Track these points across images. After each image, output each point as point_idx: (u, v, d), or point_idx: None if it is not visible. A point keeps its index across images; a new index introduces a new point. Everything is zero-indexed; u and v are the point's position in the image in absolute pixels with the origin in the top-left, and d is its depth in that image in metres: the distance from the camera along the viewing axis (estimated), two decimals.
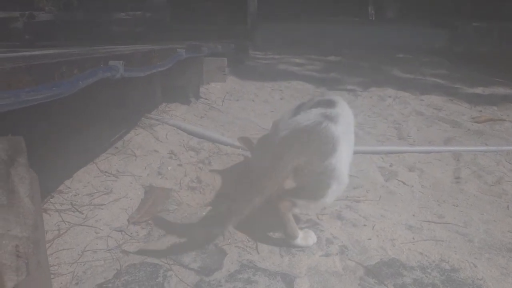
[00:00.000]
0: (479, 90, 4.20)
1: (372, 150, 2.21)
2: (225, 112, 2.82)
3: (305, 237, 1.35)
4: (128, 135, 2.07)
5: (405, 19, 8.45)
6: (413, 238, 1.41)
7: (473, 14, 7.05)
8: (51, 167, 1.51)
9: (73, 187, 1.61)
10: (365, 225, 1.49)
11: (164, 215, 1.52)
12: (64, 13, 5.38)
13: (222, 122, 2.60)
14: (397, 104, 3.44)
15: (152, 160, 1.91)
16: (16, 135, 0.60)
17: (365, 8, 10.00)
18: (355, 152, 2.18)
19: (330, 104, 1.45)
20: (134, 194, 1.65)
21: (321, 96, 1.61)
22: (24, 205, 0.58)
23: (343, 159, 1.30)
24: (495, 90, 4.20)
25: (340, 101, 1.54)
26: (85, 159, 1.78)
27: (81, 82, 0.94)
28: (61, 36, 4.76)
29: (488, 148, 2.28)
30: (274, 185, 1.22)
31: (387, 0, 9.63)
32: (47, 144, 1.58)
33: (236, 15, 6.39)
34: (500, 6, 6.92)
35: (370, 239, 1.40)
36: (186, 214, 1.52)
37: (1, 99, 0.72)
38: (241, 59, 4.78)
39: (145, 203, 1.59)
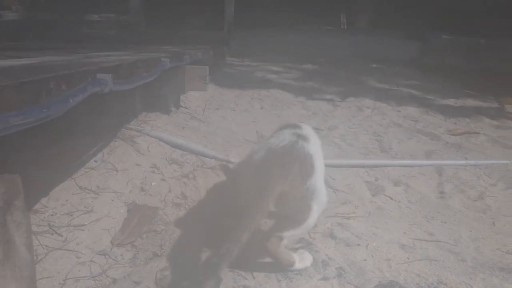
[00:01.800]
0: (451, 101, 4.31)
1: (357, 163, 2.20)
2: (206, 122, 2.75)
3: (302, 259, 1.31)
4: (108, 147, 1.97)
5: (377, 29, 8.63)
6: (408, 258, 1.40)
7: (443, 27, 7.28)
8: (25, 184, 1.40)
9: (50, 206, 1.50)
10: (358, 245, 1.47)
11: (151, 236, 1.44)
12: (31, 13, 5.14)
13: (204, 133, 2.52)
14: (376, 115, 3.47)
15: (134, 174, 1.81)
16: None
17: (338, 17, 10.17)
18: (341, 166, 2.18)
19: (296, 126, 1.45)
20: (117, 213, 1.56)
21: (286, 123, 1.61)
22: (20, 256, 0.51)
23: (320, 177, 1.30)
24: (465, 102, 4.33)
25: (303, 124, 1.54)
26: (63, 175, 1.67)
27: (71, 100, 0.86)
28: (29, 37, 4.53)
29: (468, 162, 2.32)
30: (260, 218, 1.17)
31: (359, 9, 9.83)
32: (20, 158, 1.46)
33: (213, 21, 6.32)
34: (469, 21, 7.19)
35: (365, 259, 1.37)
36: (174, 235, 1.44)
37: None
38: (219, 66, 4.72)
39: (129, 223, 1.50)
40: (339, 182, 2.02)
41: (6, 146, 1.20)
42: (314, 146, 1.35)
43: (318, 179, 1.27)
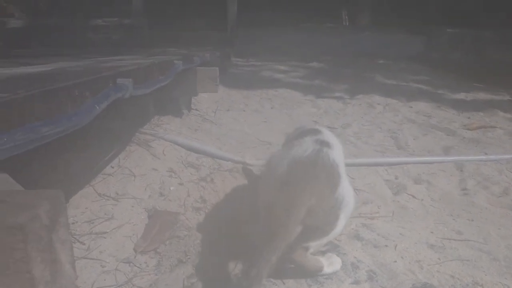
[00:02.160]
0: (462, 96, 4.26)
1: (376, 162, 2.16)
2: (218, 123, 2.72)
3: (331, 263, 1.27)
4: (123, 152, 1.94)
5: (379, 26, 8.59)
6: (439, 259, 1.36)
7: (446, 21, 7.23)
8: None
9: (70, 214, 1.47)
10: (386, 246, 1.43)
11: (174, 243, 1.40)
12: (35, 20, 5.12)
13: (217, 134, 2.49)
14: (388, 112, 3.43)
15: (152, 179, 1.78)
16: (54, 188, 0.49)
17: (339, 15, 10.13)
18: (359, 164, 2.14)
19: (316, 131, 1.39)
20: (138, 219, 1.53)
21: (301, 127, 1.53)
22: (66, 275, 0.48)
23: (346, 182, 1.23)
24: (477, 96, 4.28)
25: (321, 128, 1.48)
26: (81, 182, 1.64)
27: (97, 106, 0.83)
28: (34, 44, 4.52)
29: (488, 157, 2.28)
30: (290, 238, 1.09)
31: (361, 7, 9.78)
32: (37, 166, 1.44)
33: (216, 21, 6.29)
34: (472, 14, 7.13)
35: (395, 261, 1.34)
36: (198, 241, 1.41)
37: (17, 137, 0.60)
38: (225, 67, 4.69)
39: (151, 229, 1.47)
40: (359, 182, 1.98)
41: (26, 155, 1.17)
42: (338, 152, 1.29)
43: (345, 185, 1.21)
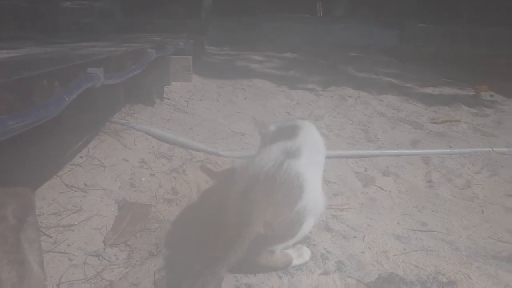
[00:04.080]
0: (429, 90, 4.38)
1: (347, 154, 2.20)
2: (191, 113, 2.69)
3: (300, 254, 1.30)
4: (93, 142, 1.89)
5: (353, 17, 8.67)
6: (404, 249, 1.41)
7: (419, 16, 7.38)
8: (9, 182, 1.32)
9: (36, 206, 1.42)
10: (355, 237, 1.47)
11: (145, 235, 1.39)
12: (4, 1, 4.87)
13: (190, 125, 2.47)
14: (359, 104, 3.49)
15: (122, 170, 1.75)
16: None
17: (314, 5, 10.15)
18: (331, 157, 2.18)
19: (292, 133, 1.38)
20: (107, 211, 1.50)
21: (285, 121, 1.50)
22: (34, 276, 0.47)
23: (314, 192, 1.23)
24: (443, 90, 4.41)
25: (304, 125, 1.47)
26: (47, 172, 1.59)
27: (67, 98, 0.81)
28: (3, 26, 4.30)
29: (453, 151, 2.37)
30: (243, 249, 1.10)
31: None
32: (1, 156, 1.39)
33: (190, 8, 6.18)
34: (444, 9, 7.31)
35: (363, 252, 1.38)
36: (170, 233, 1.40)
37: None
38: (198, 55, 4.63)
39: (121, 222, 1.45)
40: (330, 173, 2.02)
41: None
42: (306, 157, 1.27)
43: (312, 195, 1.21)
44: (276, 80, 4.16)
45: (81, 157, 1.78)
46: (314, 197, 1.22)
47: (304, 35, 7.21)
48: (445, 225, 1.61)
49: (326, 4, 9.90)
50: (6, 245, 0.44)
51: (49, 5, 4.85)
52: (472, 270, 1.31)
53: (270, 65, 4.98)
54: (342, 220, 1.59)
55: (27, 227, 0.47)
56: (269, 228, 1.14)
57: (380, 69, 5.27)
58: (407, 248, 1.41)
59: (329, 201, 1.75)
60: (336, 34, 7.29)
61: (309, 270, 1.25)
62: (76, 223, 1.40)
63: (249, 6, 8.06)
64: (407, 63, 5.77)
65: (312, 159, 1.31)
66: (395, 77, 4.85)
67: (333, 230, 1.51)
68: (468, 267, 1.33)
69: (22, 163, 1.48)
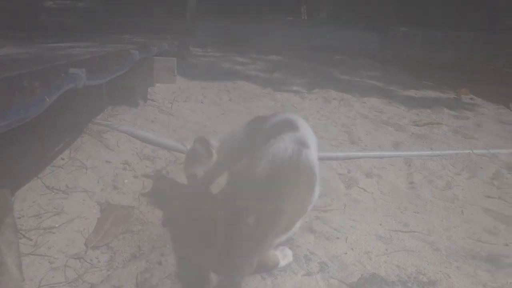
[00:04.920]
0: (411, 92, 4.46)
1: (331, 156, 2.22)
2: (175, 115, 2.68)
3: (284, 255, 1.30)
4: (75, 143, 1.87)
5: (337, 21, 8.75)
6: (386, 250, 1.43)
7: (401, 20, 7.50)
8: None
9: (16, 208, 1.40)
10: (338, 238, 1.48)
11: (128, 237, 1.38)
12: None
13: (174, 126, 2.45)
14: (342, 107, 3.53)
15: (104, 172, 1.74)
16: None
17: (298, 8, 10.22)
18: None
19: (293, 125, 1.37)
20: (89, 213, 1.48)
21: (276, 115, 1.48)
22: (12, 278, 0.46)
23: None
24: (425, 93, 4.49)
25: (299, 120, 1.46)
26: (28, 174, 1.56)
27: (47, 98, 0.80)
28: None
29: (434, 153, 2.41)
30: (274, 240, 1.14)
31: (320, 1, 9.92)
32: None
33: (175, 9, 6.14)
34: (425, 13, 7.45)
35: (346, 253, 1.39)
36: (153, 235, 1.39)
37: None
38: (183, 56, 4.60)
39: (103, 224, 1.44)
40: None
41: None
42: (314, 148, 1.31)
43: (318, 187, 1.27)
44: (260, 82, 4.17)
45: (63, 159, 1.76)
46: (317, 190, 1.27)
47: (289, 37, 7.25)
48: (426, 226, 1.64)
49: (310, 8, 9.97)
50: None
51: (30, 4, 4.75)
52: (451, 269, 1.34)
53: (255, 67, 4.99)
54: (325, 221, 1.60)
55: (5, 229, 0.46)
56: (291, 217, 1.17)
57: (363, 72, 5.33)
58: (389, 249, 1.43)
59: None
60: (320, 37, 7.35)
61: (292, 271, 1.26)
62: (57, 225, 1.38)
63: (235, 8, 8.06)
64: (390, 66, 5.86)
65: (315, 151, 1.33)
66: (378, 80, 4.92)
67: (316, 232, 1.52)
68: (448, 266, 1.35)
69: (1, 164, 1.45)
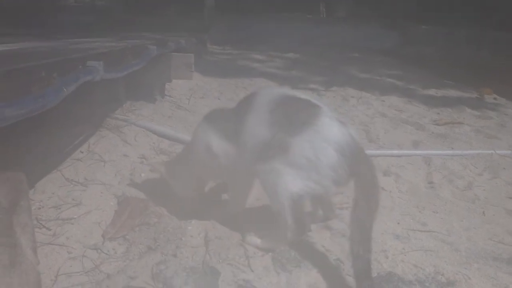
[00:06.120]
0: (432, 91, 4.37)
1: None
2: (192, 111, 2.69)
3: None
4: (93, 137, 1.90)
5: (356, 18, 8.67)
6: (404, 249, 1.40)
7: (421, 18, 7.37)
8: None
9: (36, 199, 1.43)
10: None
11: (144, 230, 1.39)
12: None
13: (191, 122, 2.46)
14: (361, 105, 3.48)
15: (122, 165, 1.76)
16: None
17: (317, 6, 10.16)
18: None
19: (313, 104, 1.29)
20: (107, 205, 1.50)
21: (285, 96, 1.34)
22: (26, 261, 0.47)
23: None
24: (446, 92, 4.39)
25: (304, 95, 1.37)
26: (48, 166, 1.60)
27: (65, 89, 0.81)
28: (2, 23, 4.30)
29: (455, 152, 2.36)
30: None
31: None
32: (2, 149, 1.39)
33: (193, 7, 6.18)
34: (447, 12, 7.30)
35: None
36: (169, 228, 1.40)
37: None
38: (200, 53, 4.63)
39: (120, 216, 1.45)
40: None
41: None
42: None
43: None
44: (278, 80, 4.16)
45: (82, 152, 1.78)
46: None
47: (307, 35, 7.21)
48: (445, 225, 1.60)
49: (329, 5, 9.90)
50: None
51: (49, 3, 4.85)
52: (471, 271, 1.30)
53: (273, 64, 4.98)
54: (342, 219, 1.58)
55: (20, 212, 0.47)
56: None
57: (382, 70, 5.26)
58: (406, 248, 1.40)
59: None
60: (339, 35, 7.28)
61: (307, 267, 1.25)
62: (75, 216, 1.40)
63: (253, 6, 8.06)
64: (410, 65, 5.75)
65: None
66: (398, 78, 4.84)
67: (332, 229, 1.50)
68: (467, 268, 1.32)
69: (22, 155, 1.48)
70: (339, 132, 1.22)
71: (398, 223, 1.60)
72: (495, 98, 4.18)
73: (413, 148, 2.45)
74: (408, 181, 2.00)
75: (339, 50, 6.37)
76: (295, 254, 1.31)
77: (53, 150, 1.67)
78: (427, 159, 2.26)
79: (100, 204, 1.49)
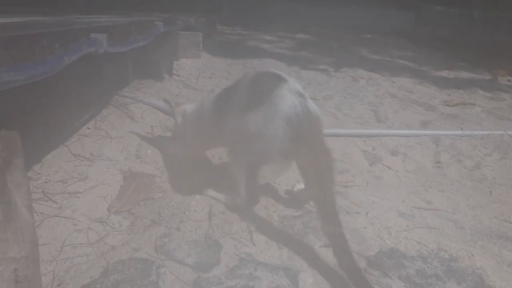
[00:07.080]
0: (444, 73, 4.29)
1: (354, 133, 2.18)
2: (199, 90, 2.69)
3: None
4: (100, 114, 1.91)
5: None
6: (407, 226, 1.40)
7: None
8: None
9: (43, 173, 1.45)
10: (358, 213, 1.46)
11: (149, 204, 1.41)
12: None
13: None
14: (370, 86, 3.44)
15: (128, 142, 1.76)
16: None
17: None
18: (338, 135, 2.16)
19: (280, 77, 1.31)
20: (112, 180, 1.51)
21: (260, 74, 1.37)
22: (22, 218, 0.47)
23: None
24: (459, 74, 4.32)
25: (278, 70, 1.39)
26: (55, 141, 1.61)
27: (66, 58, 0.80)
28: (10, 1, 4.30)
29: (464, 133, 2.32)
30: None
31: None
32: (10, 124, 1.40)
33: None
34: None
35: (365, 227, 1.37)
36: (173, 203, 1.41)
37: None
38: (209, 33, 4.59)
39: (126, 190, 1.47)
40: (337, 152, 2.00)
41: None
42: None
43: None
44: (287, 60, 4.12)
45: (89, 128, 1.80)
46: None
47: (317, 16, 7.10)
48: (451, 204, 1.59)
49: None
50: None
51: None
52: (475, 248, 1.30)
53: (282, 45, 4.93)
54: (346, 196, 1.58)
55: (14, 170, 0.47)
56: None
57: (394, 51, 5.17)
58: (410, 225, 1.40)
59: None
60: (350, 16, 7.16)
61: (310, 242, 1.25)
62: (81, 190, 1.42)
63: None
64: (422, 46, 5.65)
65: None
66: (410, 60, 4.77)
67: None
68: (471, 245, 1.31)
69: (28, 130, 1.49)
70: (290, 103, 1.21)
71: (403, 201, 1.59)
72: (509, 80, 4.09)
73: (422, 128, 2.42)
74: (416, 160, 1.99)
75: (350, 31, 6.27)
76: (297, 229, 1.32)
77: (60, 126, 1.69)
78: (436, 139, 2.23)
79: (106, 179, 1.50)
